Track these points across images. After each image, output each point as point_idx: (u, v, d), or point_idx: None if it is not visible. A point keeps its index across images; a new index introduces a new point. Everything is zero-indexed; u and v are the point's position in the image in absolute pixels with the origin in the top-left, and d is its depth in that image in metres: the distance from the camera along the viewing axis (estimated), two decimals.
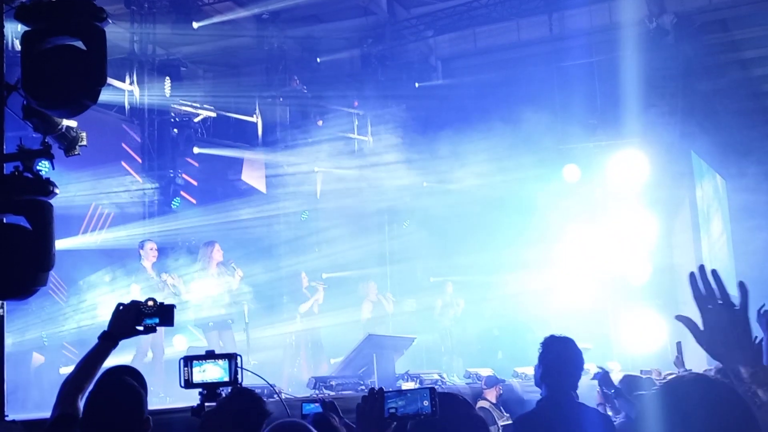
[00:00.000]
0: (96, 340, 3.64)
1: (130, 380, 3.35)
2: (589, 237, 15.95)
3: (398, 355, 10.49)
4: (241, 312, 11.34)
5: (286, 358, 12.96)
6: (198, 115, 14.42)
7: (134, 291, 10.10)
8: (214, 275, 11.10)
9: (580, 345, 12.95)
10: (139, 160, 13.48)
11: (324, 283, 13.60)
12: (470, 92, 16.93)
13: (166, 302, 3.70)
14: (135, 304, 3.62)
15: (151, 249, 10.78)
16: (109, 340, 3.59)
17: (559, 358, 4.32)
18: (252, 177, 15.38)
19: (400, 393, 2.87)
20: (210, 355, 4.02)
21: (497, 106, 15.64)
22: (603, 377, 6.06)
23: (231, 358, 4.00)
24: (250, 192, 15.18)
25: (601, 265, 15.97)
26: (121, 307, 3.63)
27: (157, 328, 3.63)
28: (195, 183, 14.44)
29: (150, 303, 3.64)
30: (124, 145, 13.32)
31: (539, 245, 15.65)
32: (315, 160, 15.91)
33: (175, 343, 11.57)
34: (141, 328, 3.60)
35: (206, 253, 11.17)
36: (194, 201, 14.26)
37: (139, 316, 3.59)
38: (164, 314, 3.62)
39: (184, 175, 14.03)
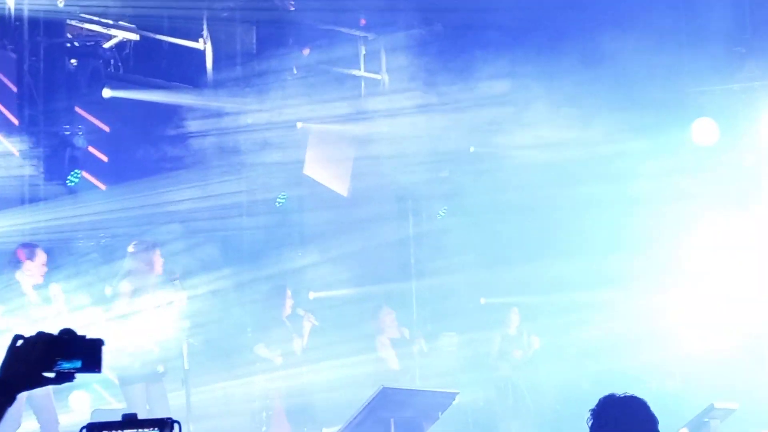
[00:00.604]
0: None
1: None
2: (735, 235, 15.91)
3: (430, 420, 10.80)
4: (179, 354, 11.42)
5: (254, 427, 13.01)
6: (111, 37, 14.53)
7: None
8: (151, 294, 11.30)
9: (720, 405, 12.63)
10: (13, 97, 13.48)
11: (313, 317, 13.59)
12: (539, 5, 16.90)
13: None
14: (44, 338, 3.56)
15: (42, 264, 10.96)
16: (1, 393, 3.51)
17: (617, 429, 4.65)
18: None
19: None
20: (130, 422, 3.90)
21: (584, 29, 15.93)
22: None
23: (163, 426, 3.86)
24: (194, 161, 15.02)
25: (753, 281, 15.86)
26: (19, 342, 3.53)
27: (76, 375, 3.56)
28: (107, 129, 14.35)
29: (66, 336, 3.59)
30: None
31: (652, 250, 15.88)
32: (297, 111, 15.89)
33: (73, 403, 11.94)
34: (52, 375, 3.53)
35: (143, 259, 11.44)
36: (105, 159, 14.29)
37: (51, 356, 3.53)
38: (89, 354, 3.61)
39: (97, 121, 14.01)
